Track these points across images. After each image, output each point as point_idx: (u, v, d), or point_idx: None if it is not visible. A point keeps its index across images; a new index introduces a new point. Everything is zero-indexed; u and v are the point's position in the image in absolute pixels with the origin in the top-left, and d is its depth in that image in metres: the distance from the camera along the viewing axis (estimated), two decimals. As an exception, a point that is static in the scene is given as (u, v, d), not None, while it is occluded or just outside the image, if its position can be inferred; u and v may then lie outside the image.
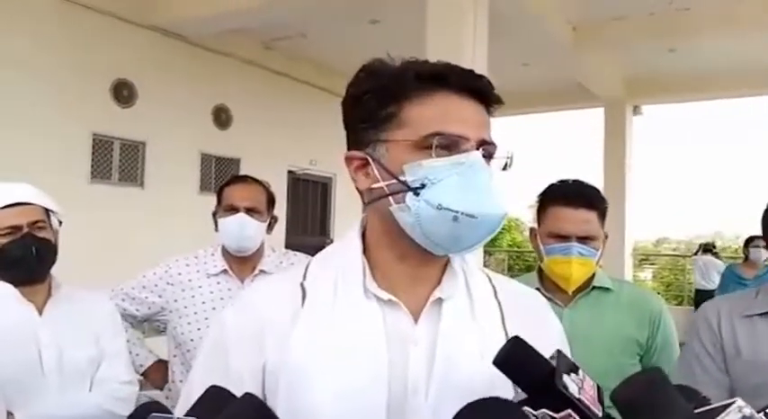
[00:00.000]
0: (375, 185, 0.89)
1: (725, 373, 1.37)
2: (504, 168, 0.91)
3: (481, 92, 0.89)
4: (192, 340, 2.10)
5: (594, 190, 1.77)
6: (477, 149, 0.86)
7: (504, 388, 0.73)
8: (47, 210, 1.80)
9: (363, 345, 0.85)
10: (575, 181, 1.79)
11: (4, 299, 1.73)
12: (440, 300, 0.90)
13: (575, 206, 1.69)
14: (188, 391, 0.91)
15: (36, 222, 1.74)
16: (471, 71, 0.90)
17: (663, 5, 6.09)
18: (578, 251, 1.68)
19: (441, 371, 0.85)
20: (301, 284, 0.92)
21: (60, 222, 1.86)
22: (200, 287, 2.15)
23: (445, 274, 0.92)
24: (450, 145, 0.85)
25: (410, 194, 0.85)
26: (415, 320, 0.89)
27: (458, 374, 0.84)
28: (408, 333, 0.88)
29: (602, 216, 1.73)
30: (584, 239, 1.69)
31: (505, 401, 0.68)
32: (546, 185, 1.81)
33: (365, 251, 0.93)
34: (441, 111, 0.86)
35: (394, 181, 0.87)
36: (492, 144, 0.89)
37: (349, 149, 0.94)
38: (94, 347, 1.81)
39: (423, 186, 0.85)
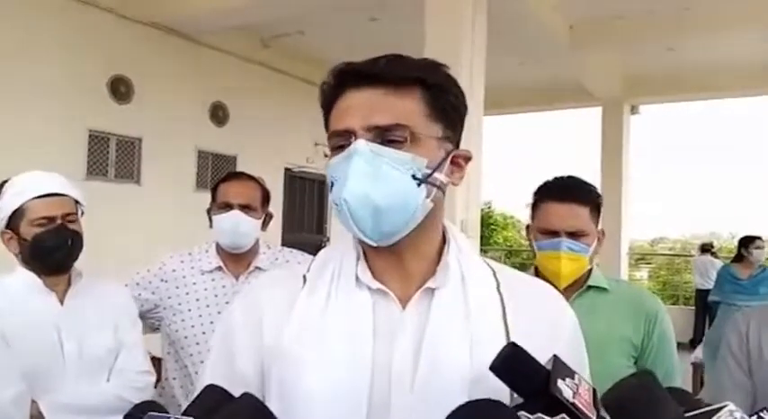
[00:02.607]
0: None
1: (748, 376, 1.37)
2: (404, 142, 0.87)
3: (373, 76, 0.87)
4: (185, 337, 2.09)
5: (586, 185, 1.75)
6: (370, 135, 0.86)
7: (492, 381, 0.73)
8: (76, 202, 1.83)
9: (351, 334, 0.86)
10: (569, 176, 1.78)
11: (29, 289, 1.77)
12: (431, 290, 0.90)
13: (563, 201, 1.68)
14: (201, 378, 0.95)
15: (69, 214, 1.79)
16: (372, 59, 0.90)
17: (662, 5, 6.08)
18: (567, 246, 1.66)
19: (427, 362, 0.84)
20: (303, 275, 0.95)
21: (82, 213, 1.88)
22: (194, 284, 2.14)
23: (439, 265, 0.92)
24: (344, 141, 0.88)
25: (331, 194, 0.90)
26: (404, 309, 0.89)
27: (444, 365, 0.84)
28: (397, 321, 0.88)
29: (596, 211, 1.71)
30: (573, 235, 1.67)
31: (497, 403, 0.68)
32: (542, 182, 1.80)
33: (360, 242, 0.94)
34: (337, 111, 0.90)
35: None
36: (384, 127, 0.86)
37: None
38: (113, 337, 1.84)
39: (332, 184, 0.89)
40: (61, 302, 1.79)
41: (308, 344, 0.87)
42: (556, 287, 1.68)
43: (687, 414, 0.65)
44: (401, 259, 0.92)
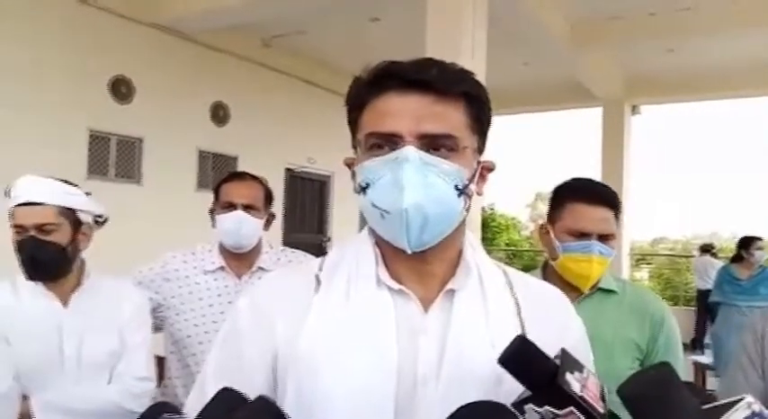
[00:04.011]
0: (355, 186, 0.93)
1: (762, 377, 1.36)
2: (450, 152, 0.87)
3: (424, 83, 0.86)
4: (188, 336, 2.09)
5: (612, 189, 1.75)
6: (419, 143, 0.85)
7: (514, 381, 0.73)
8: (71, 210, 1.77)
9: (374, 334, 0.86)
10: (589, 179, 1.77)
11: (30, 290, 1.75)
12: (452, 292, 0.91)
13: (596, 204, 1.67)
14: (202, 379, 0.94)
15: (45, 225, 1.71)
16: (417, 63, 0.89)
17: (662, 5, 6.08)
18: (599, 250, 1.65)
19: (451, 362, 0.85)
20: (316, 275, 0.94)
21: (100, 220, 1.84)
22: (197, 283, 2.14)
23: (459, 267, 0.93)
24: (385, 144, 0.86)
25: (361, 195, 0.89)
26: (426, 311, 0.90)
27: (468, 365, 0.85)
28: (418, 323, 0.88)
29: (617, 216, 1.71)
30: (603, 238, 1.67)
31: (499, 405, 0.68)
32: (558, 182, 1.78)
33: (378, 244, 0.94)
34: (378, 112, 0.88)
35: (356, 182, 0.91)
36: (434, 135, 0.85)
37: None
38: (117, 340, 1.81)
39: (367, 186, 0.87)
40: (66, 303, 1.77)
41: (328, 347, 0.85)
42: (570, 290, 1.68)
43: (704, 407, 0.65)
44: (426, 263, 0.91)
